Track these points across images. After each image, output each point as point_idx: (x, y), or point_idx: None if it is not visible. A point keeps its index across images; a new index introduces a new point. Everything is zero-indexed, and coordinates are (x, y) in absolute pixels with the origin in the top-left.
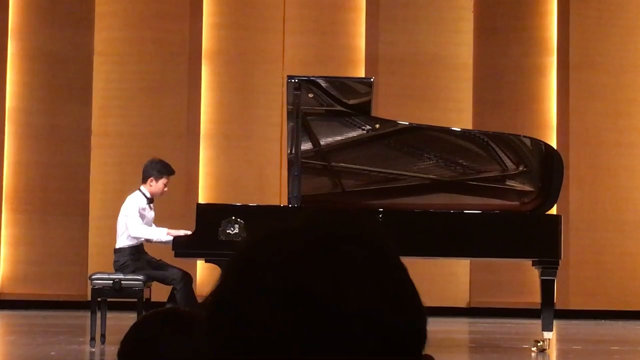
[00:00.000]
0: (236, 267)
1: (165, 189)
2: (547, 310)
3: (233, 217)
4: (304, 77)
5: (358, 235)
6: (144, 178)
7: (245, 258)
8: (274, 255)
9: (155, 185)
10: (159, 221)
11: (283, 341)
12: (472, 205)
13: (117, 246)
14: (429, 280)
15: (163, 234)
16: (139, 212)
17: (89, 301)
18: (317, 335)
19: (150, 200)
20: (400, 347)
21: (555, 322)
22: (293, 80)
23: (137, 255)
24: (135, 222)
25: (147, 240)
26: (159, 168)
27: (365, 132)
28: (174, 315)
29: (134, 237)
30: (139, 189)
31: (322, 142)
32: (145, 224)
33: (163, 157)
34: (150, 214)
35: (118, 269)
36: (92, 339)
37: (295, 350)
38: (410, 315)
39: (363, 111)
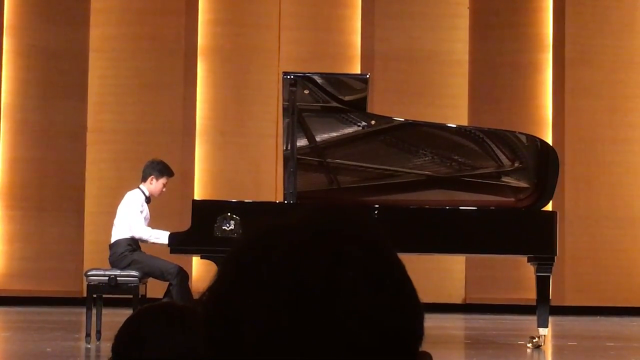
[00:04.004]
0: (232, 264)
1: (164, 189)
2: (543, 306)
3: (229, 214)
4: (300, 73)
5: (354, 232)
6: (144, 177)
7: (241, 255)
8: (270, 253)
9: (155, 184)
10: (155, 218)
11: (278, 338)
12: (468, 201)
13: (113, 240)
14: (425, 276)
15: (165, 239)
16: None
17: (84, 297)
18: (313, 332)
19: (148, 200)
20: (397, 344)
21: (550, 318)
22: (289, 77)
23: (133, 247)
24: (139, 220)
25: (144, 240)
26: (160, 168)
27: (360, 128)
28: (169, 310)
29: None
30: (139, 187)
31: (318, 138)
32: None
33: (158, 154)
34: (147, 213)
35: (114, 261)
36: (88, 335)
37: (290, 347)
38: (408, 313)
39: (358, 107)
